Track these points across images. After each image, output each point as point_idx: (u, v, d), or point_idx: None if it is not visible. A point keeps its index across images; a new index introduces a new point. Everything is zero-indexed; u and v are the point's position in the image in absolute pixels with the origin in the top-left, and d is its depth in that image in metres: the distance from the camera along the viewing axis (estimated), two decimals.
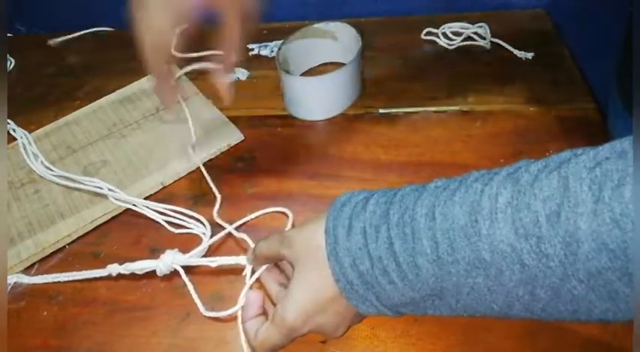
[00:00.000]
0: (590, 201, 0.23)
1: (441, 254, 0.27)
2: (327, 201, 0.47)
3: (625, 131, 0.43)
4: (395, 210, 0.29)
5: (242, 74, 0.62)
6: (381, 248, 0.29)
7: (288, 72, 0.54)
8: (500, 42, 0.60)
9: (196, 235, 0.45)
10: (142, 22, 0.38)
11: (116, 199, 0.48)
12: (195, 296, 0.40)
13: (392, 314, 0.31)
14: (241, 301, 0.36)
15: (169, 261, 0.41)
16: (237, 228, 0.44)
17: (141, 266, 0.41)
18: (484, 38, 0.60)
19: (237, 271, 0.41)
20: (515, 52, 0.59)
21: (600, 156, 0.24)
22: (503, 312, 0.28)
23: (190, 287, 0.41)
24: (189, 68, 0.46)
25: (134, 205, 0.48)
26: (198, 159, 0.51)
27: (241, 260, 0.41)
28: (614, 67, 0.44)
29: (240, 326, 0.36)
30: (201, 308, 0.40)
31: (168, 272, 0.41)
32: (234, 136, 0.53)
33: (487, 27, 0.61)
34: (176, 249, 0.42)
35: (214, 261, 0.41)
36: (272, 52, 0.64)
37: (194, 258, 0.41)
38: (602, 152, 0.25)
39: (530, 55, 0.58)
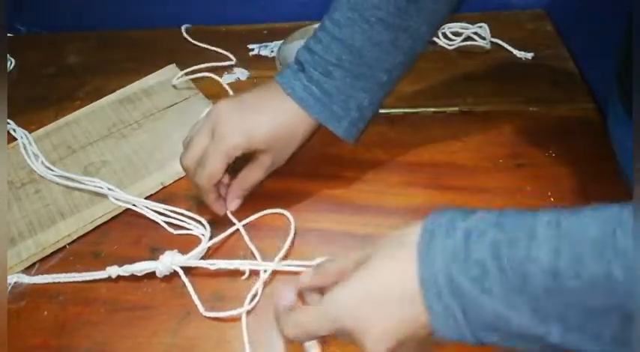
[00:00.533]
0: None
1: (561, 265, 0.23)
2: (328, 201, 0.47)
3: (624, 133, 0.43)
4: (509, 216, 0.26)
5: (242, 74, 0.62)
6: (485, 250, 0.25)
7: None
8: (500, 42, 0.60)
9: (196, 235, 0.45)
10: (201, 171, 0.42)
11: (116, 199, 0.48)
12: (194, 296, 0.40)
13: (472, 341, 0.26)
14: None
15: (168, 262, 0.41)
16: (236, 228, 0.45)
17: (140, 267, 0.41)
18: (484, 38, 0.60)
19: (237, 271, 0.42)
20: (515, 52, 0.59)
21: None
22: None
23: (190, 287, 0.41)
24: None
25: (134, 205, 0.48)
26: None
27: (240, 264, 0.41)
28: (614, 69, 0.44)
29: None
30: (201, 308, 0.40)
31: (167, 273, 0.41)
32: None
33: (487, 27, 0.61)
34: (175, 250, 0.42)
35: (214, 264, 0.41)
36: (272, 52, 0.64)
37: (193, 259, 0.42)
38: None
39: (530, 56, 0.58)
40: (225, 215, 0.45)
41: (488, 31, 0.60)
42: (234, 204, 0.45)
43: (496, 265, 0.25)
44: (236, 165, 0.43)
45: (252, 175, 0.44)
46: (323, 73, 0.41)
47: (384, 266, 0.28)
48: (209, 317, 0.39)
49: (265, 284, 0.41)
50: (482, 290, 0.25)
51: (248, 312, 0.39)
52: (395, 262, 0.28)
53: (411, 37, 0.41)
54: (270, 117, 0.41)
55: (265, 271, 0.41)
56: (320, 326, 0.29)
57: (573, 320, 0.23)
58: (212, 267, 0.41)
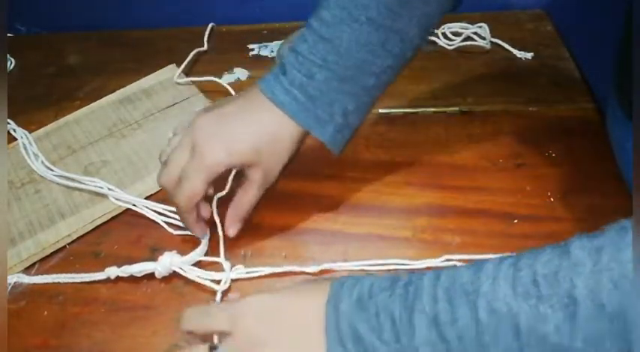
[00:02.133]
0: (590, 263, 0.23)
1: (439, 309, 0.26)
2: (327, 202, 0.47)
3: (622, 132, 0.43)
4: (403, 278, 0.30)
5: (242, 74, 0.62)
6: (381, 303, 0.28)
7: None
8: (500, 42, 0.60)
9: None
10: (180, 190, 0.39)
11: (116, 199, 0.48)
12: (194, 296, 0.40)
13: None
14: None
15: (167, 263, 0.41)
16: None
17: (139, 268, 0.41)
18: (484, 38, 0.61)
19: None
20: (515, 52, 0.59)
21: (600, 231, 0.24)
22: None
23: (191, 287, 0.41)
24: None
25: (134, 205, 0.48)
26: None
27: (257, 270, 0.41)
28: (612, 69, 0.44)
29: None
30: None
31: (167, 274, 0.41)
32: None
33: (487, 27, 0.61)
34: (174, 251, 0.42)
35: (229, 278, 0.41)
36: (272, 52, 0.64)
37: (193, 258, 0.42)
38: (605, 229, 0.25)
39: (529, 56, 0.58)
40: (224, 216, 0.45)
41: (488, 31, 0.60)
42: (232, 229, 0.42)
43: (389, 318, 0.27)
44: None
45: (247, 197, 0.41)
46: (306, 74, 0.38)
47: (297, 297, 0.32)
48: None
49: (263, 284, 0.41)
50: (379, 340, 0.27)
51: None
52: (308, 297, 0.31)
53: (401, 40, 0.39)
54: (252, 128, 0.39)
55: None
56: (219, 320, 0.31)
57: None
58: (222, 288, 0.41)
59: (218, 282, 0.41)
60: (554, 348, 0.24)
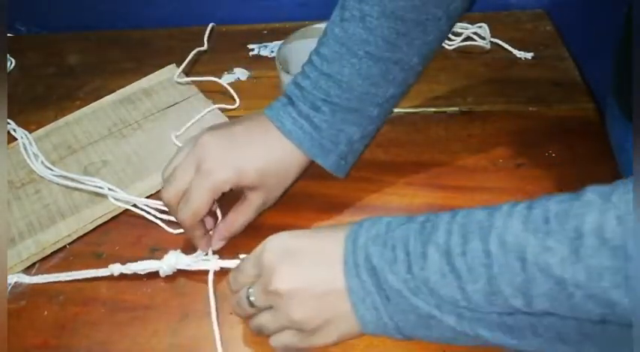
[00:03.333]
0: (599, 202, 0.25)
1: (451, 243, 0.28)
2: (327, 201, 0.47)
3: (622, 133, 0.43)
4: (420, 217, 0.31)
5: (242, 74, 0.62)
6: (397, 236, 0.30)
7: (288, 72, 0.54)
8: (500, 42, 0.60)
9: None
10: (185, 207, 0.39)
11: (116, 199, 0.48)
12: (195, 295, 0.40)
13: (392, 328, 0.31)
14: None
15: (173, 262, 0.41)
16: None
17: (143, 266, 0.41)
18: (484, 38, 0.61)
19: None
20: (515, 52, 0.59)
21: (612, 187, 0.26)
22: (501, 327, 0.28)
23: (191, 286, 0.41)
24: None
25: (134, 205, 0.48)
26: None
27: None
28: (610, 69, 0.44)
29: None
30: (202, 308, 0.40)
31: (170, 273, 0.41)
32: None
33: (487, 27, 0.61)
34: (178, 250, 0.42)
35: (218, 264, 0.41)
36: (272, 52, 0.65)
37: (196, 259, 0.42)
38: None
39: (529, 56, 0.58)
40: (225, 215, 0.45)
41: (488, 31, 0.60)
42: (218, 244, 0.42)
43: (404, 249, 0.30)
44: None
45: (242, 216, 0.41)
46: (312, 107, 0.39)
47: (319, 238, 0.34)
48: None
49: None
50: (391, 271, 0.30)
51: None
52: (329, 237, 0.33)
53: (402, 70, 0.40)
54: (260, 152, 0.39)
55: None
56: (247, 269, 0.35)
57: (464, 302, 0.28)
58: (214, 268, 0.41)
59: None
60: (557, 281, 0.25)
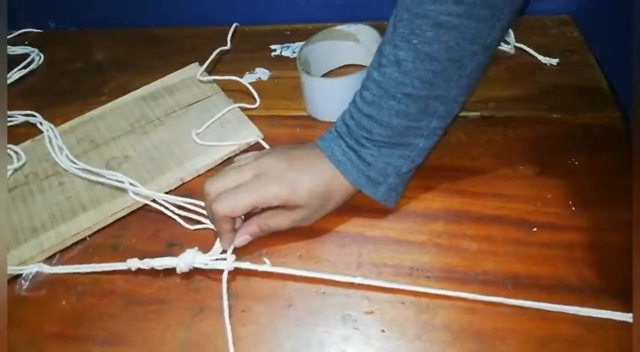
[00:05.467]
0: None
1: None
2: (344, 204, 0.47)
3: None
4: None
5: (263, 74, 0.63)
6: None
7: (309, 73, 0.54)
8: (525, 47, 0.59)
9: (214, 230, 0.45)
10: (226, 199, 0.40)
11: (136, 194, 0.49)
12: (210, 292, 0.41)
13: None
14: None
15: (190, 260, 0.41)
16: None
17: (161, 263, 0.42)
18: (508, 43, 0.60)
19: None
20: (540, 57, 0.58)
21: None
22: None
23: (205, 283, 0.41)
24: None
25: (154, 200, 0.49)
26: (217, 157, 0.52)
27: (260, 267, 0.41)
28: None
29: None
30: (216, 304, 0.40)
31: (187, 270, 0.42)
32: (253, 135, 0.54)
33: (511, 32, 0.60)
34: (196, 248, 0.42)
35: (232, 265, 0.41)
36: (294, 52, 0.65)
37: (213, 257, 0.42)
38: None
39: (555, 61, 0.57)
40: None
41: (512, 36, 0.60)
42: (242, 239, 0.43)
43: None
44: None
45: (278, 220, 0.42)
46: (358, 142, 0.41)
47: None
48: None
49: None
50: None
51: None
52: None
53: (442, 103, 0.40)
54: (313, 175, 0.41)
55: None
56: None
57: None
58: (230, 267, 0.41)
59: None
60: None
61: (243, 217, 0.44)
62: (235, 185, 0.41)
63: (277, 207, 0.42)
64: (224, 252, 0.43)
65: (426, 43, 0.38)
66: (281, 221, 0.42)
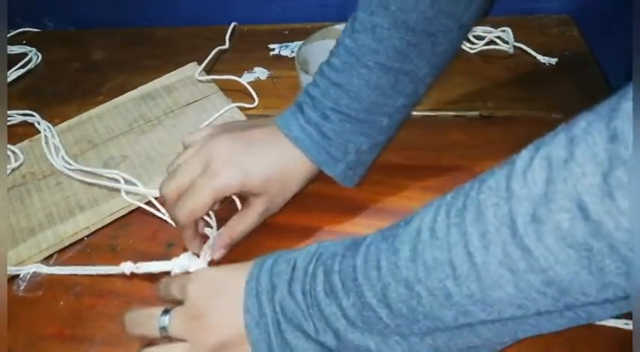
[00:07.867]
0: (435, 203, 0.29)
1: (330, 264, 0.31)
2: (341, 203, 0.47)
3: None
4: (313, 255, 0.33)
5: (262, 73, 0.62)
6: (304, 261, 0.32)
7: (307, 72, 0.54)
8: (524, 47, 0.59)
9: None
10: (184, 204, 0.39)
11: (134, 194, 0.49)
12: None
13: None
14: None
15: (185, 264, 0.41)
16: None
17: (155, 267, 0.41)
18: (507, 42, 0.60)
19: None
20: (539, 57, 0.58)
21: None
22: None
23: None
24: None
25: (151, 200, 0.48)
26: None
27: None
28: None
29: None
30: None
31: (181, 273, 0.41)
32: None
33: (510, 31, 0.60)
34: (190, 252, 0.42)
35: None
36: (292, 52, 0.65)
37: (208, 260, 0.42)
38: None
39: (554, 61, 0.57)
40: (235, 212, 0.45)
41: (511, 35, 0.59)
42: (219, 253, 0.41)
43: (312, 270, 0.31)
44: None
45: (244, 223, 0.41)
46: (321, 115, 0.40)
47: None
48: None
49: None
50: (289, 290, 0.31)
51: None
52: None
53: (412, 81, 0.40)
54: (267, 158, 0.39)
55: None
56: (173, 287, 0.36)
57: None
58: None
59: None
60: (405, 283, 0.27)
61: (214, 222, 0.43)
62: (189, 181, 0.39)
63: (241, 204, 0.41)
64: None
65: (404, 10, 0.37)
66: (247, 221, 0.41)
